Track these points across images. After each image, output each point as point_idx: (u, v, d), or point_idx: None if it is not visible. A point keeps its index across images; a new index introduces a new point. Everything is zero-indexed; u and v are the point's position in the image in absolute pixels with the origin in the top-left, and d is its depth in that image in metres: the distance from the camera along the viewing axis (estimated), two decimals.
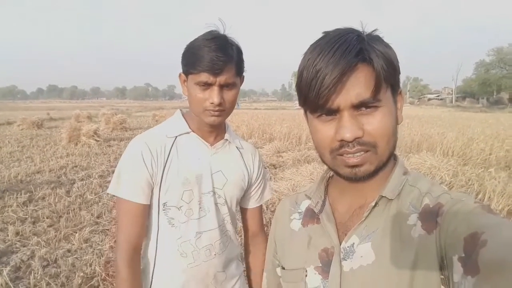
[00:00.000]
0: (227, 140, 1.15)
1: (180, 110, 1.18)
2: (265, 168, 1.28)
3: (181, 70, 1.08)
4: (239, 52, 1.05)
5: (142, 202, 1.05)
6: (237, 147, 1.20)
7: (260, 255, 1.19)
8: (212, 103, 1.00)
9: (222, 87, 1.01)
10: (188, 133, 1.10)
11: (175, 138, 1.09)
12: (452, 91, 71.72)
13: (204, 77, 0.98)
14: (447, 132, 10.48)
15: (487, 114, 27.97)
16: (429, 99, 73.94)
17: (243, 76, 1.12)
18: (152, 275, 1.09)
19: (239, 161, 1.18)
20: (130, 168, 1.05)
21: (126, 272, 1.02)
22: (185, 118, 1.14)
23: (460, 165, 6.81)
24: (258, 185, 1.24)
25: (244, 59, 1.09)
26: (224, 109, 1.04)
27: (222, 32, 1.04)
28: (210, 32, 1.02)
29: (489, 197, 4.75)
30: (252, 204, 1.25)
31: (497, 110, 39.37)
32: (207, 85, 1.00)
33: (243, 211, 1.28)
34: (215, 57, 0.96)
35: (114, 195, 1.05)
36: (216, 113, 1.03)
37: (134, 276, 1.04)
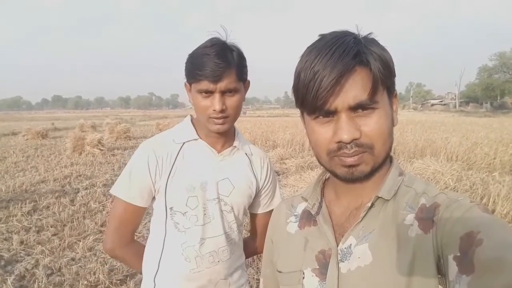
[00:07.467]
0: (235, 147, 1.15)
1: (191, 115, 1.18)
2: (276, 174, 1.27)
3: (184, 80, 1.09)
4: (239, 56, 1.04)
5: (140, 205, 1.10)
6: (246, 153, 1.19)
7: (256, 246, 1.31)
8: (214, 110, 1.01)
9: (223, 93, 1.01)
10: (195, 139, 1.11)
11: (183, 145, 1.11)
12: (455, 96, 71.53)
13: (205, 84, 0.99)
14: (451, 137, 10.44)
15: (491, 118, 27.79)
16: (432, 105, 73.84)
17: (248, 82, 1.11)
18: (155, 278, 1.10)
19: (247, 168, 1.17)
20: (134, 173, 1.09)
21: (121, 253, 1.14)
22: (194, 124, 1.14)
23: (464, 170, 6.74)
24: (266, 191, 1.22)
25: (247, 65, 1.08)
26: (228, 116, 1.04)
27: (224, 38, 1.04)
28: (210, 40, 1.02)
29: (494, 201, 4.69)
30: (260, 210, 1.24)
31: (501, 114, 39.11)
32: (208, 93, 1.01)
33: (251, 215, 1.28)
34: (214, 64, 0.97)
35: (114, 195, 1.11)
36: (220, 120, 1.03)
37: (129, 252, 1.15)
